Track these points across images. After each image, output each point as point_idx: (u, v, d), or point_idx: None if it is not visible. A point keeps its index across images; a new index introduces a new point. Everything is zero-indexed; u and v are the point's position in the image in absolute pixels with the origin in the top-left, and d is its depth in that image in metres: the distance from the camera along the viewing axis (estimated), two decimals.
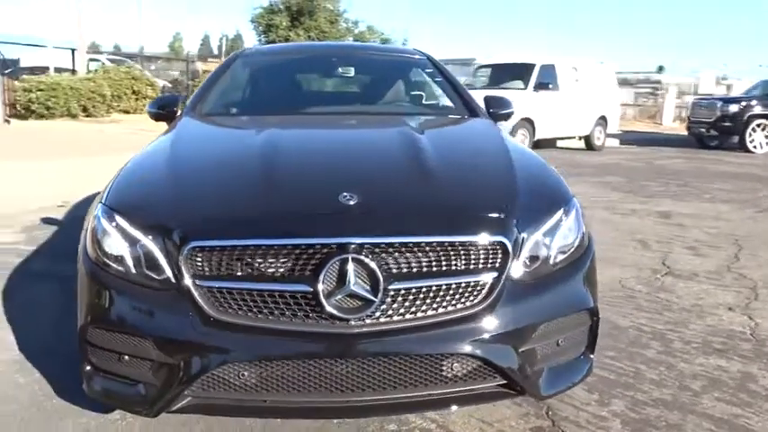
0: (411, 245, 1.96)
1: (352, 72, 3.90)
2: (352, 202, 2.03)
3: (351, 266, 1.89)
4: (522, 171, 2.47)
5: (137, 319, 2.01)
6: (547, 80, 12.41)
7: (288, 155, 2.49)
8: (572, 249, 2.24)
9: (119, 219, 2.09)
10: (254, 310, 1.93)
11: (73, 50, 16.78)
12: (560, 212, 2.24)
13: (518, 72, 12.81)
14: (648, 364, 2.87)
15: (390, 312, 1.94)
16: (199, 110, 3.33)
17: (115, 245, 2.06)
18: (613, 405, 2.51)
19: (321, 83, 4.00)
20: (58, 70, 15.64)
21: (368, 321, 1.92)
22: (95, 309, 2.07)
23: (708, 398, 2.57)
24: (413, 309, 1.95)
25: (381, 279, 1.90)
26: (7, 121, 13.53)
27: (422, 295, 1.96)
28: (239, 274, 1.94)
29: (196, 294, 1.94)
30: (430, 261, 1.97)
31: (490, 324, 2.00)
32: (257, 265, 1.93)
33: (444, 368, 2.00)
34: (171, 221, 2.02)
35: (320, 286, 1.88)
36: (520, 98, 12.17)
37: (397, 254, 1.94)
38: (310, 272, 1.90)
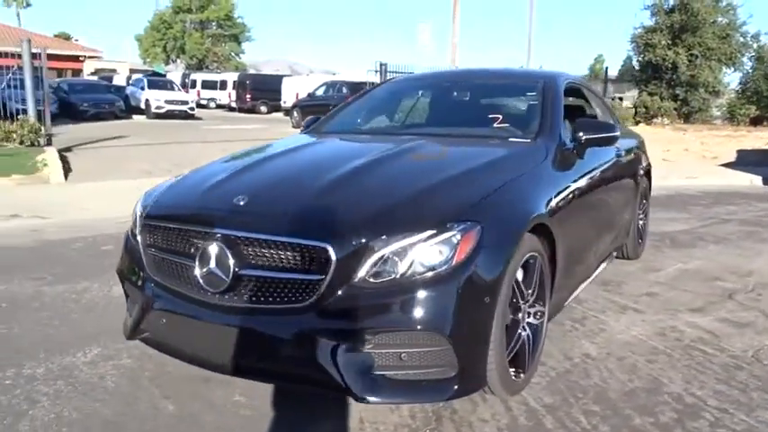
0: (261, 240, 2.37)
1: (462, 97, 4.11)
2: (241, 203, 2.53)
3: (214, 251, 2.42)
4: (426, 190, 2.55)
5: (132, 271, 2.88)
6: None
7: (271, 164, 3.07)
8: (437, 270, 2.27)
9: (141, 204, 2.98)
10: (167, 273, 2.62)
11: None
12: (429, 232, 2.30)
13: None
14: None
15: (241, 293, 2.39)
16: (317, 127, 4.09)
17: (136, 221, 2.96)
18: None
19: (427, 107, 4.27)
20: None
21: (225, 297, 2.42)
22: (121, 262, 3.01)
23: None
24: (258, 293, 2.37)
25: (232, 264, 2.38)
26: None
27: (266, 284, 2.36)
28: (162, 246, 2.66)
29: (143, 257, 2.72)
30: (272, 256, 2.35)
31: (315, 319, 2.28)
32: (171, 241, 2.62)
33: (281, 350, 2.35)
34: (147, 205, 2.85)
35: (196, 263, 2.47)
36: None
37: (249, 246, 2.39)
38: (194, 251, 2.50)
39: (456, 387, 2.32)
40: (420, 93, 4.41)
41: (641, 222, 5.20)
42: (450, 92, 4.25)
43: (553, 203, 2.93)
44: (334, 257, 2.25)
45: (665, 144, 14.90)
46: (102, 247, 5.37)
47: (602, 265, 4.15)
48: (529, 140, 3.35)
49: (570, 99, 4.52)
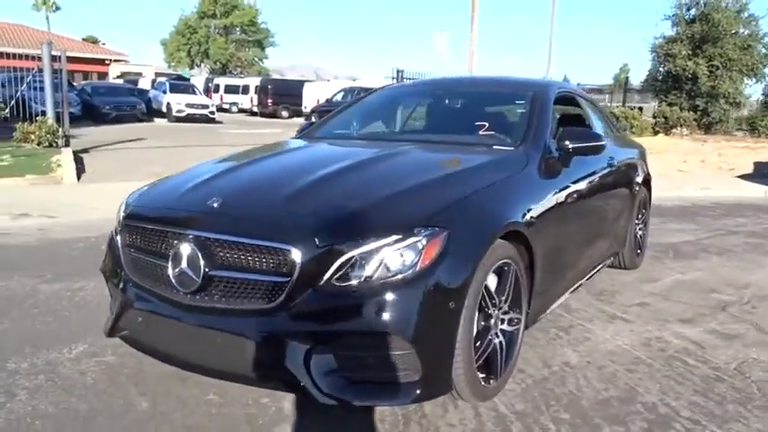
0: (230, 242, 2.41)
1: (453, 105, 4.14)
2: (215, 205, 2.57)
3: (186, 251, 2.47)
4: (397, 195, 2.57)
5: (113, 270, 2.94)
6: None
7: (252, 168, 3.11)
8: (402, 274, 2.29)
9: (124, 205, 3.04)
10: (143, 273, 2.67)
11: None
12: (395, 237, 2.32)
13: None
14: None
15: (212, 293, 2.43)
16: (309, 132, 4.14)
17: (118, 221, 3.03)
18: None
19: (417, 114, 4.30)
20: None
21: (197, 297, 2.46)
22: (105, 260, 3.08)
23: None
24: (227, 294, 2.41)
25: (202, 265, 2.42)
26: None
27: (235, 285, 2.40)
28: (139, 246, 2.71)
29: (122, 257, 2.78)
30: (239, 257, 2.39)
31: (281, 321, 2.31)
32: (147, 241, 2.67)
33: (247, 351, 2.38)
34: (128, 206, 2.92)
35: (169, 263, 2.51)
36: None
37: (219, 248, 2.43)
38: (168, 251, 2.54)
39: (419, 391, 2.33)
40: (412, 100, 4.44)
41: (640, 233, 5.16)
42: (441, 100, 4.28)
43: (532, 211, 2.93)
44: (298, 260, 2.28)
45: (682, 155, 14.77)
46: (104, 246, 5.44)
47: (592, 274, 4.13)
48: (512, 148, 3.35)
49: (568, 108, 4.53)
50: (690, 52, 19.46)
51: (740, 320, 4.00)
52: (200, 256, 2.42)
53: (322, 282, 2.28)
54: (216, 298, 2.42)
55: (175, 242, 2.52)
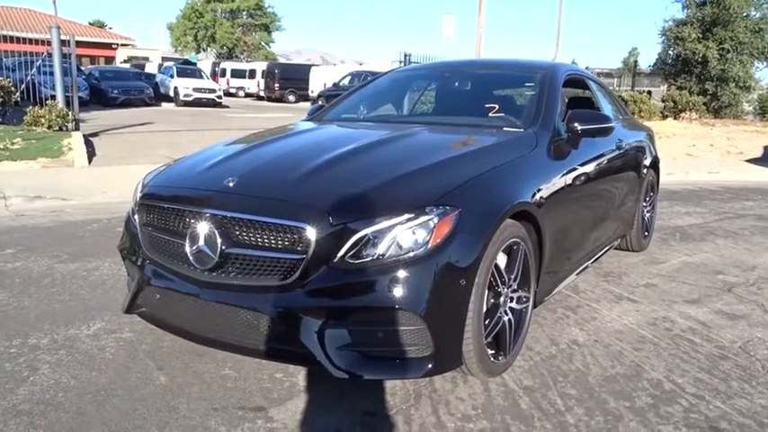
0: (246, 220, 2.47)
1: (462, 87, 4.18)
2: (231, 185, 2.63)
3: (203, 230, 2.53)
4: (409, 175, 2.62)
5: (130, 249, 3.01)
6: None
7: (265, 148, 3.16)
8: (414, 252, 2.35)
9: (141, 185, 3.10)
10: (161, 251, 2.74)
11: None
12: (407, 216, 2.37)
13: None
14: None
15: (228, 270, 2.50)
16: (319, 115, 4.18)
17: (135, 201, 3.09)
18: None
19: (426, 97, 4.33)
20: None
21: (214, 274, 2.53)
22: (122, 238, 3.15)
23: None
24: (243, 271, 2.47)
25: (219, 243, 2.48)
26: None
27: (251, 262, 2.46)
28: (157, 225, 2.78)
29: (140, 236, 2.85)
30: (255, 235, 2.45)
31: (295, 297, 2.38)
32: (165, 220, 2.74)
33: (263, 326, 2.45)
34: (145, 186, 2.98)
35: (187, 241, 2.58)
36: None
37: (236, 226, 2.49)
38: (186, 230, 2.61)
39: (430, 366, 2.39)
40: (421, 83, 4.48)
41: (648, 215, 5.20)
42: (450, 82, 4.31)
43: (540, 191, 2.97)
44: (313, 238, 2.34)
45: (690, 139, 14.73)
46: (117, 228, 5.50)
47: (600, 255, 4.18)
48: (522, 130, 3.39)
49: (577, 91, 4.56)
50: (700, 35, 19.31)
51: (746, 301, 4.05)
52: (217, 234, 2.48)
53: (336, 259, 2.34)
54: (232, 275, 2.48)
55: (192, 221, 2.58)
